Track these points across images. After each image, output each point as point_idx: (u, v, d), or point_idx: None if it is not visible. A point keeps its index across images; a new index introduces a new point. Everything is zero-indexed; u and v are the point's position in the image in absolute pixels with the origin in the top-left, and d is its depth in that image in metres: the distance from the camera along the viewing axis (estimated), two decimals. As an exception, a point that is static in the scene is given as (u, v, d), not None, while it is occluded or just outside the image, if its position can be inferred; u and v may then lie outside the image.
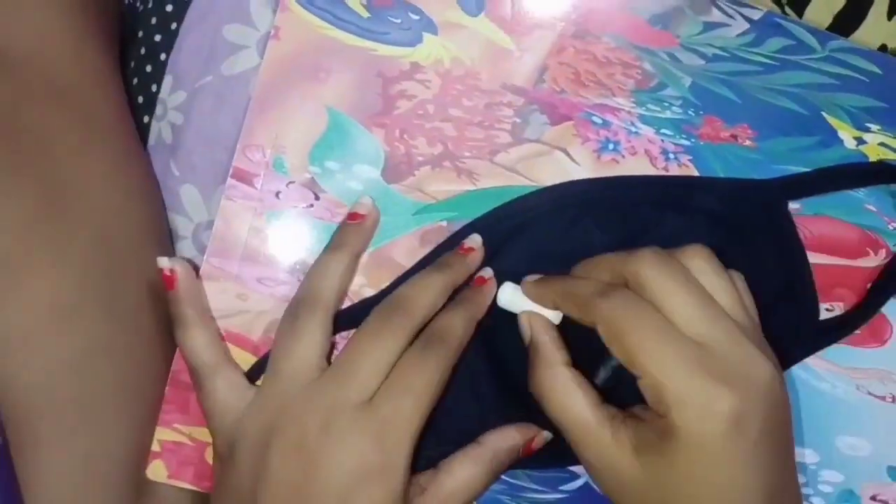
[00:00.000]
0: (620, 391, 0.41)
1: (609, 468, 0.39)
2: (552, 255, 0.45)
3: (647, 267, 0.39)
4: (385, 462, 0.40)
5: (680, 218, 0.46)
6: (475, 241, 0.45)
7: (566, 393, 0.40)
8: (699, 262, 0.40)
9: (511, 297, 0.44)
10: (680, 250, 0.41)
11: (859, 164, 0.48)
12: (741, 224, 0.47)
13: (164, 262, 0.44)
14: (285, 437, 0.40)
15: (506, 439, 0.44)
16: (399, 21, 0.46)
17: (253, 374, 0.46)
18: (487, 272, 0.45)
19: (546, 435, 0.45)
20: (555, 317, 0.43)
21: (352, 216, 0.45)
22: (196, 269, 0.46)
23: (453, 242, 0.46)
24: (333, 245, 0.45)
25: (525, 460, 0.45)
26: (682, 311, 0.38)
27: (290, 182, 0.46)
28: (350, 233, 0.45)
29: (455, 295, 0.44)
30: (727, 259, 0.42)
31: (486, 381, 0.46)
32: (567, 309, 0.41)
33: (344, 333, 0.46)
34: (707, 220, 0.47)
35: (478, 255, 0.45)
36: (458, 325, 0.43)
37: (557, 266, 0.44)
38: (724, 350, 0.37)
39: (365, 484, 0.39)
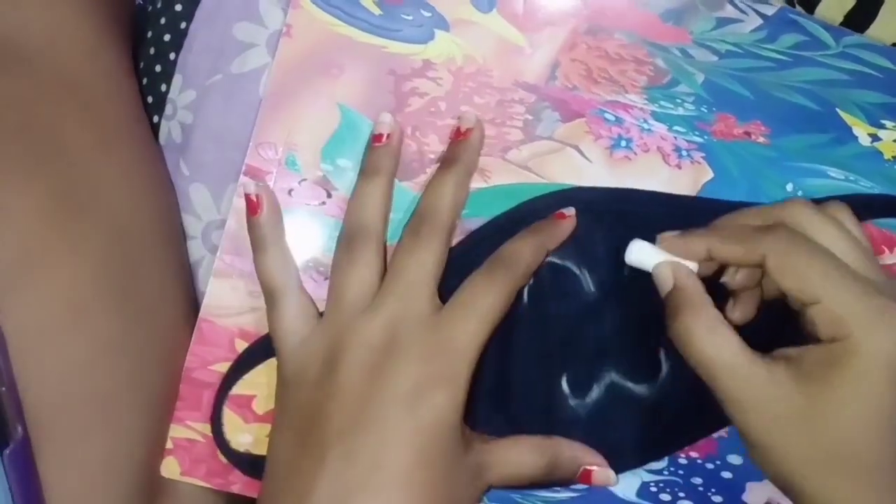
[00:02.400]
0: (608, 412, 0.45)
1: (764, 404, 0.38)
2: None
3: (805, 213, 0.40)
4: (447, 373, 0.41)
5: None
6: (570, 210, 0.46)
7: (718, 333, 0.39)
8: (844, 216, 0.42)
9: (640, 253, 0.43)
10: (825, 204, 0.42)
11: (881, 196, 0.47)
12: None
13: (250, 188, 0.45)
14: (352, 353, 0.42)
15: (573, 450, 0.45)
16: (411, 18, 0.46)
17: (256, 354, 0.46)
18: (570, 210, 0.46)
19: (612, 478, 0.46)
20: (693, 268, 0.42)
21: (376, 138, 0.46)
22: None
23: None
24: (366, 172, 0.45)
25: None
26: (845, 253, 0.39)
27: (303, 179, 0.46)
28: (379, 156, 0.45)
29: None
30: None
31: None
32: (726, 251, 0.41)
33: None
34: None
35: (572, 223, 0.46)
36: (528, 252, 0.44)
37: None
38: (889, 292, 0.38)
39: (429, 392, 0.41)
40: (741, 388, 0.39)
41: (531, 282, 0.45)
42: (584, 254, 0.46)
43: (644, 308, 0.44)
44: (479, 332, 0.42)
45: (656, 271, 0.42)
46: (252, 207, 0.45)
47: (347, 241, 0.44)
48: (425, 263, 0.43)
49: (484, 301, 0.42)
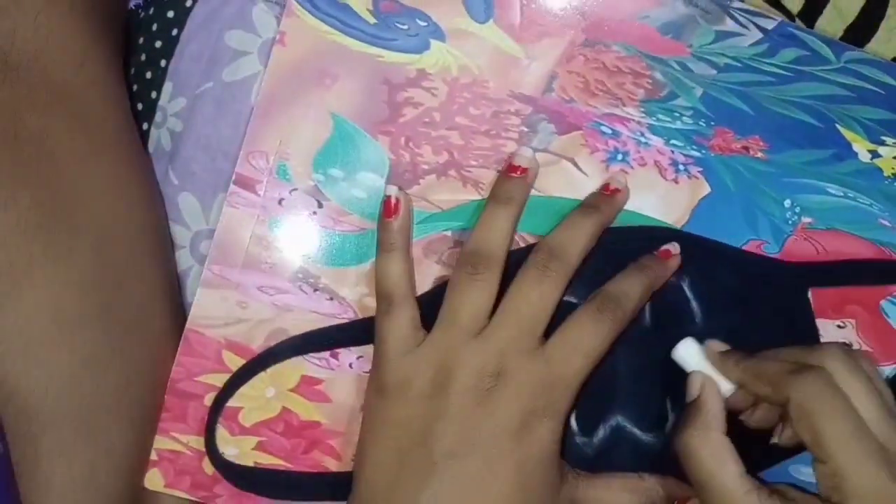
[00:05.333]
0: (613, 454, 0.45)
1: None
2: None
3: (837, 361, 0.40)
4: (553, 407, 0.42)
5: (700, 286, 0.46)
6: (675, 248, 0.46)
7: (719, 458, 0.40)
8: (868, 365, 0.42)
9: (686, 353, 0.44)
10: (854, 352, 0.43)
11: (888, 263, 0.47)
12: (760, 306, 0.46)
13: (392, 191, 0.45)
14: (462, 380, 0.42)
15: (667, 488, 0.45)
16: (406, 27, 0.45)
17: (243, 375, 0.46)
18: (675, 248, 0.46)
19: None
20: (728, 389, 0.43)
21: (512, 169, 0.45)
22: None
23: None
24: (499, 199, 0.45)
25: None
26: (868, 411, 0.39)
27: (294, 189, 0.46)
28: (514, 187, 0.45)
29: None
30: (740, 339, 0.44)
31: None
32: (754, 386, 0.42)
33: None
34: (727, 294, 0.46)
35: (677, 261, 0.46)
36: (636, 292, 0.44)
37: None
38: None
39: (534, 424, 0.42)
40: None
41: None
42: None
43: (658, 356, 0.44)
44: (583, 368, 0.43)
45: (690, 378, 0.44)
46: (388, 210, 0.45)
47: (472, 262, 0.44)
48: (548, 299, 0.43)
49: (591, 341, 0.43)
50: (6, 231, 0.39)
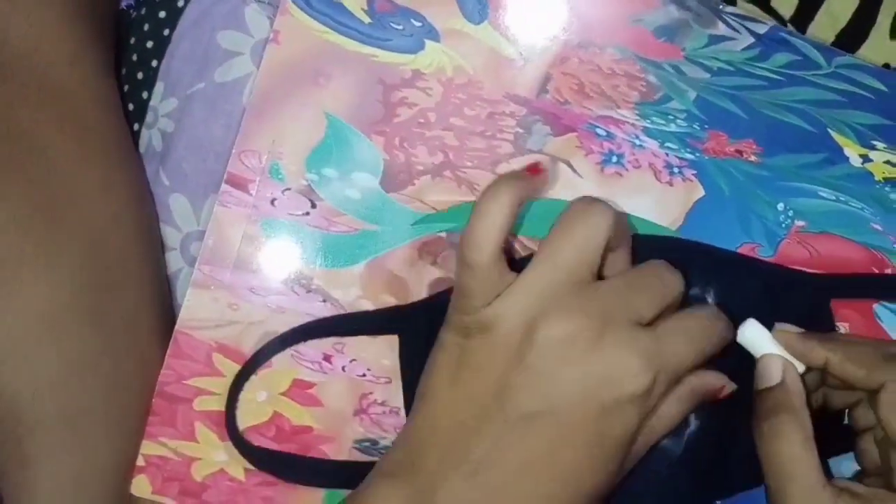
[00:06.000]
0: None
1: None
2: None
3: None
4: (651, 390, 0.38)
5: (725, 298, 0.46)
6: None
7: (804, 446, 0.39)
8: None
9: (753, 335, 0.42)
10: None
11: None
12: (784, 317, 0.46)
13: (544, 159, 0.45)
14: (557, 327, 0.38)
15: (704, 381, 0.42)
16: (401, 27, 0.45)
17: (238, 384, 0.45)
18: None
19: (733, 387, 0.43)
20: (801, 370, 0.42)
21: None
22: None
23: None
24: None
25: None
26: None
27: (287, 189, 0.45)
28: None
29: None
30: None
31: None
32: (843, 369, 0.41)
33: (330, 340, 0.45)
34: (751, 304, 0.45)
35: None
36: (724, 326, 0.42)
37: None
38: None
39: (626, 405, 0.38)
40: None
41: None
42: None
43: None
44: (688, 364, 0.40)
45: (765, 361, 0.42)
46: (534, 171, 0.42)
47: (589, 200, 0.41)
48: (674, 286, 0.41)
49: (706, 339, 0.41)
50: None
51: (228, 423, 0.46)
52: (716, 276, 0.46)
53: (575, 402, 0.38)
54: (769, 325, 0.43)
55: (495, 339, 0.39)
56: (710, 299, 0.46)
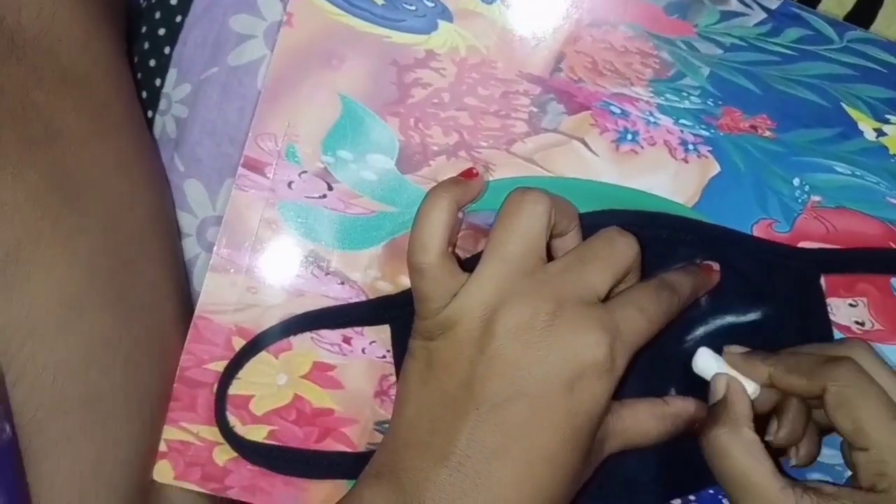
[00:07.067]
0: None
1: None
2: None
3: (863, 352, 0.41)
4: (609, 362, 0.39)
5: None
6: (716, 265, 0.46)
7: (752, 454, 0.40)
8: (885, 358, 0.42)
9: (704, 362, 0.44)
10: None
11: None
12: (772, 292, 0.47)
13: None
14: (513, 315, 0.39)
15: (688, 408, 0.44)
16: (414, 8, 0.45)
17: (242, 358, 0.45)
18: (716, 265, 0.46)
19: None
20: (753, 390, 0.43)
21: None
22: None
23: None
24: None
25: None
26: None
27: (303, 172, 0.45)
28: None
29: None
30: (753, 326, 0.46)
31: None
32: (787, 381, 0.42)
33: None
34: (739, 280, 0.46)
35: (718, 276, 0.46)
36: (687, 288, 0.43)
37: None
38: None
39: (590, 377, 0.39)
40: None
41: None
42: None
43: (662, 349, 0.44)
44: (643, 331, 0.41)
45: (713, 380, 0.44)
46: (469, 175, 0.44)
47: (521, 191, 0.42)
48: (626, 256, 0.42)
49: (655, 308, 0.41)
50: (13, 208, 0.38)
51: (219, 417, 0.46)
52: (702, 250, 0.46)
53: (541, 382, 0.39)
54: (755, 302, 0.46)
55: (457, 336, 0.40)
56: None
